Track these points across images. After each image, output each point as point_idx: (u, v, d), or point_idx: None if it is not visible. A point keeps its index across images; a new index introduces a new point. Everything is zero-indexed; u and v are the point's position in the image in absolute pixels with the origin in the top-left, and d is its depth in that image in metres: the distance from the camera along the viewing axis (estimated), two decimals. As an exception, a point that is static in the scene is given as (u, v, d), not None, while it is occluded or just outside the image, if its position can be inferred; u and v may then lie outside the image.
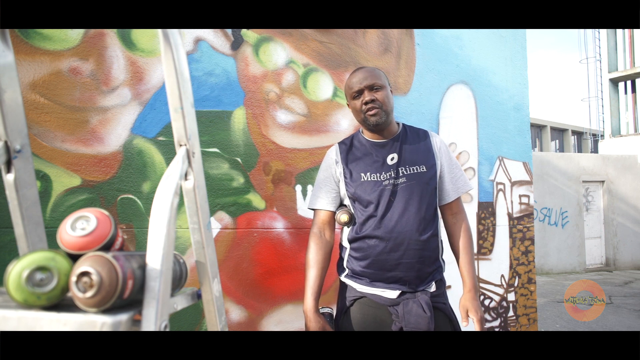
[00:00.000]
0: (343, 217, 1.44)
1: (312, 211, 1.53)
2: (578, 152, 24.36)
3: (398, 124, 1.52)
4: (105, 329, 0.61)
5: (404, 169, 1.40)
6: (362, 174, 1.42)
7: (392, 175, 1.39)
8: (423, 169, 1.41)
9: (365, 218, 1.40)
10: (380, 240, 1.36)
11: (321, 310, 1.44)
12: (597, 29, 14.50)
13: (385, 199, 1.37)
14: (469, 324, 1.37)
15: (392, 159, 1.42)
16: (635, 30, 12.99)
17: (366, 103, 1.39)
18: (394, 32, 2.27)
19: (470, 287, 1.41)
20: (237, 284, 1.82)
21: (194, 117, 0.86)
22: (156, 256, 0.69)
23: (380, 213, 1.37)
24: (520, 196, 2.73)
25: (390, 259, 1.35)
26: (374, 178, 1.40)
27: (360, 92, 1.40)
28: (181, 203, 1.27)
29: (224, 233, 1.81)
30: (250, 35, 1.90)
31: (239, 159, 1.85)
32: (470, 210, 2.50)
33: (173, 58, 0.80)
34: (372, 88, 1.39)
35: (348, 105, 1.49)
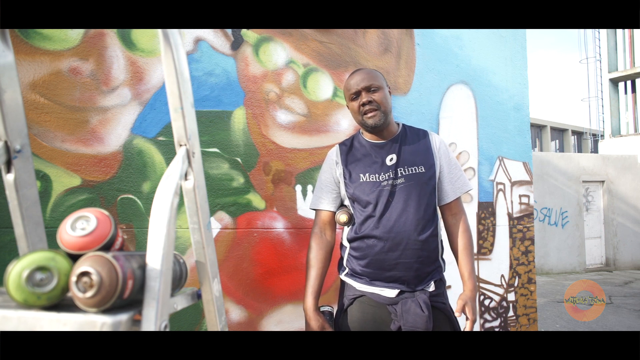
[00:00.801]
0: (342, 217, 1.45)
1: (314, 211, 1.55)
2: (578, 152, 24.36)
3: (398, 124, 1.52)
4: (105, 329, 0.61)
5: (402, 169, 1.40)
6: (361, 175, 1.42)
7: (391, 176, 1.40)
8: (422, 170, 1.41)
9: (364, 218, 1.40)
10: (378, 240, 1.36)
11: (321, 309, 1.45)
12: (597, 29, 14.50)
13: (384, 199, 1.38)
14: (460, 317, 1.38)
15: (391, 159, 1.42)
16: (635, 30, 12.99)
17: (363, 105, 1.40)
18: (394, 32, 2.27)
19: (472, 287, 1.41)
20: (237, 284, 1.82)
21: (194, 117, 0.86)
22: (156, 256, 0.69)
23: (378, 213, 1.37)
24: (520, 196, 2.73)
25: (388, 259, 1.35)
26: (372, 179, 1.40)
27: (357, 94, 1.41)
28: (181, 203, 1.27)
29: (224, 233, 1.81)
30: (250, 35, 1.90)
31: (239, 159, 1.85)
32: (470, 210, 2.50)
33: (173, 58, 0.80)
34: (369, 89, 1.40)
35: (347, 106, 1.49)
